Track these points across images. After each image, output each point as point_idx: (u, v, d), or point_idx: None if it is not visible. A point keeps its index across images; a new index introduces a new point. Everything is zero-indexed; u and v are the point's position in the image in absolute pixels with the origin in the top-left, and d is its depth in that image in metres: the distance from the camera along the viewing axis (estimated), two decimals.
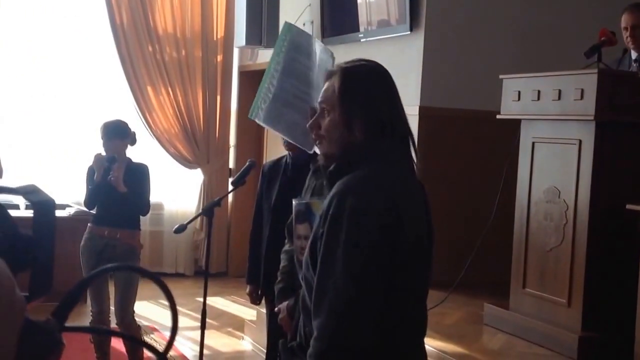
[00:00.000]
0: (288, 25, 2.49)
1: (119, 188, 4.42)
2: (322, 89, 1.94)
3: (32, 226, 1.08)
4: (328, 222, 1.74)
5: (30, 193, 1.09)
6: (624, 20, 4.29)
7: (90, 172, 4.56)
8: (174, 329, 1.21)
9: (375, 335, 1.72)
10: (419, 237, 1.82)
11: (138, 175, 4.54)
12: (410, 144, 1.91)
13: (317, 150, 2.36)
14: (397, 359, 1.80)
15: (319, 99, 1.94)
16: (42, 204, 1.08)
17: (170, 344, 1.20)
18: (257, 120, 2.65)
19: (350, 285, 1.70)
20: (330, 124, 1.88)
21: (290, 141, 2.71)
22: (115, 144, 4.49)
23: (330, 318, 1.70)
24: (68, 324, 1.14)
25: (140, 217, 4.65)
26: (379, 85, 1.90)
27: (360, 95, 1.86)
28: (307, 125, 1.96)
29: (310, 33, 6.67)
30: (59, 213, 6.16)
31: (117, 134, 4.52)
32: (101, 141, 4.54)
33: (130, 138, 4.61)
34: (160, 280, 1.20)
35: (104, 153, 4.55)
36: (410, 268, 1.79)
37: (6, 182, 3.46)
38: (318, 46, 2.41)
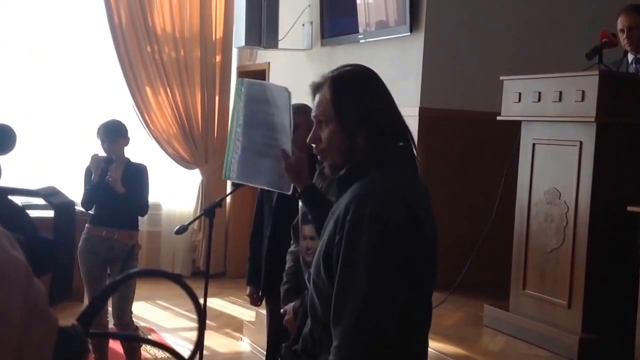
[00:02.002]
0: (240, 81, 2.55)
1: (117, 188, 4.40)
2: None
3: (52, 229, 1.08)
4: (347, 229, 1.72)
5: (51, 195, 1.08)
6: (620, 22, 4.29)
7: (88, 172, 4.54)
8: (201, 336, 1.21)
9: (397, 337, 1.73)
10: (432, 237, 1.84)
11: (137, 176, 4.53)
12: (412, 144, 1.91)
13: (296, 187, 2.37)
14: (408, 353, 1.80)
15: (313, 113, 1.92)
16: (63, 206, 1.07)
17: (195, 350, 1.19)
18: (231, 180, 2.67)
19: (373, 291, 1.69)
20: (330, 135, 1.87)
21: (268, 188, 2.73)
22: (118, 145, 4.49)
23: (356, 325, 1.69)
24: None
25: (139, 217, 4.64)
26: (370, 88, 1.89)
27: (354, 102, 1.85)
28: (307, 141, 1.95)
29: (310, 35, 6.69)
30: None
31: (120, 134, 4.52)
32: (101, 142, 4.52)
33: (128, 137, 4.61)
34: (184, 283, 1.19)
35: (101, 154, 4.54)
36: (425, 267, 1.80)
37: (5, 183, 3.44)
38: (272, 88, 2.44)
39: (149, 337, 5.75)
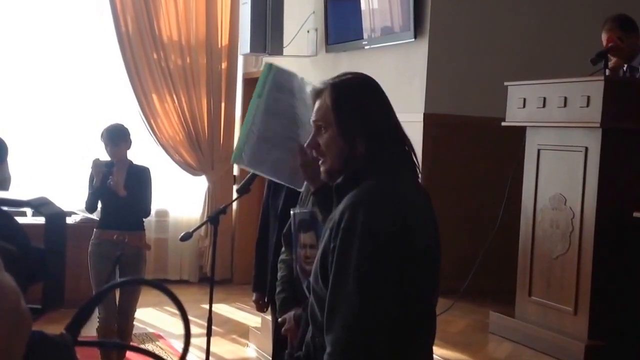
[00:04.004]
0: (269, 66, 2.45)
1: (119, 192, 4.46)
2: (312, 111, 1.93)
3: (43, 239, 1.08)
4: (340, 236, 1.74)
5: (42, 205, 1.08)
6: (604, 38, 4.25)
7: (91, 177, 4.61)
8: (187, 343, 1.20)
9: (390, 346, 1.73)
10: (428, 246, 1.83)
11: (139, 178, 4.59)
12: (411, 151, 1.92)
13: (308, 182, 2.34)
14: None
15: (313, 118, 1.94)
16: (53, 216, 1.08)
17: (184, 352, 1.19)
18: (240, 165, 2.59)
19: (363, 299, 1.71)
20: (329, 140, 1.89)
21: (277, 181, 2.70)
22: (121, 148, 4.55)
23: (344, 332, 1.70)
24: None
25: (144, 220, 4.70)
26: (370, 96, 1.91)
27: (354, 108, 1.87)
28: (305, 145, 1.95)
29: (315, 41, 6.70)
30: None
31: (122, 138, 4.59)
32: (104, 146, 4.58)
33: (130, 140, 4.67)
34: (165, 287, 1.19)
35: (104, 158, 4.60)
36: (422, 277, 1.80)
37: (10, 188, 3.47)
38: (301, 81, 2.38)
39: (157, 343, 5.77)
